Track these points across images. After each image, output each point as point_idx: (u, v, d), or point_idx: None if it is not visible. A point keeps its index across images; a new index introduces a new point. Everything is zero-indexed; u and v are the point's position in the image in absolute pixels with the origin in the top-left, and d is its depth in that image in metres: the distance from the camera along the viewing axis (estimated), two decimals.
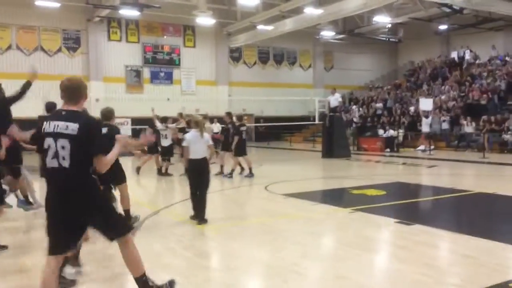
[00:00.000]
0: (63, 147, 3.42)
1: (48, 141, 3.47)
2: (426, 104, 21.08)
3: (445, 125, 21.69)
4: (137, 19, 26.68)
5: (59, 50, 25.17)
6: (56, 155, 3.44)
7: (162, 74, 28.13)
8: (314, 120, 19.18)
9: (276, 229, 6.73)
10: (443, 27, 28.45)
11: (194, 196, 7.01)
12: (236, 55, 30.96)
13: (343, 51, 34.06)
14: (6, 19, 23.63)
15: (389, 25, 27.26)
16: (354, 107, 28.62)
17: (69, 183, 3.48)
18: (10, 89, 6.94)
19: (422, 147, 20.66)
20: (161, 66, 28.04)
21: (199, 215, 6.94)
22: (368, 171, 15.00)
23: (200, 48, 29.27)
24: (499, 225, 7.14)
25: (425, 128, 20.78)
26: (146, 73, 27.67)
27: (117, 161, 4.92)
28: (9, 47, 23.90)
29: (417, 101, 23.32)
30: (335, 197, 9.91)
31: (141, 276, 3.79)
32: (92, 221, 3.62)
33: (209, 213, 7.05)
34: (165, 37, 28.11)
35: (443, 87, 25.54)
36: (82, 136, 3.43)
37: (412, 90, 27.57)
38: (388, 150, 21.03)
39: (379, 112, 26.29)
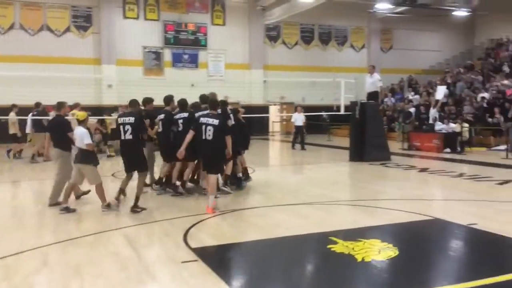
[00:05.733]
0: (209, 130, 7.15)
1: (202, 126, 7.22)
2: (440, 92, 18.11)
3: None
4: None
5: (68, 29, 22.44)
6: (205, 133, 7.18)
7: (185, 57, 24.65)
8: (338, 110, 14.47)
9: None
10: None
11: None
12: (273, 34, 26.73)
13: (405, 28, 28.62)
14: None
15: None
16: (411, 94, 23.39)
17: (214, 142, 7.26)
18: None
19: (502, 146, 15.66)
20: (185, 47, 24.53)
21: None
22: (399, 187, 9.81)
23: (231, 27, 25.43)
24: None
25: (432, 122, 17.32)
26: (167, 55, 24.30)
27: None
28: (12, 26, 21.43)
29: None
30: (286, 263, 5.15)
31: None
32: None
33: None
34: (189, 13, 24.55)
35: None
36: (220, 125, 7.18)
37: (486, 74, 21.81)
38: (448, 150, 16.05)
39: (443, 101, 20.92)
